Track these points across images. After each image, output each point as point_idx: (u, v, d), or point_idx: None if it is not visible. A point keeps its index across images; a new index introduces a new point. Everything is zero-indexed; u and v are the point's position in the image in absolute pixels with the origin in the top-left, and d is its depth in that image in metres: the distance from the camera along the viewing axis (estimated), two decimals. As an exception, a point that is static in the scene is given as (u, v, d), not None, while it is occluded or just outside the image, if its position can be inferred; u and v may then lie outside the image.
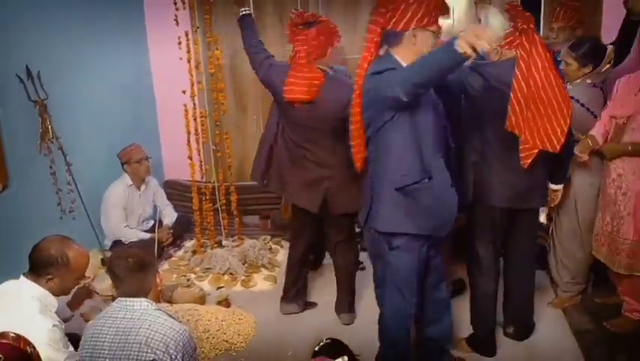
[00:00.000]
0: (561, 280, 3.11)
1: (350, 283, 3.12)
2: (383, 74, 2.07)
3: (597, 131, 2.76)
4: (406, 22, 2.06)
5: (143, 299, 1.91)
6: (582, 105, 2.78)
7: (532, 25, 2.25)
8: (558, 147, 2.27)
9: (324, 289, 3.44)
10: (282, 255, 3.92)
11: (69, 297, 2.37)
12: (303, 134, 2.82)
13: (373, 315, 2.53)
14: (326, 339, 2.43)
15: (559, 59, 2.82)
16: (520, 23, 2.26)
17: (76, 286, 2.28)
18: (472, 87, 2.42)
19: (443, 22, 2.20)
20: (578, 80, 2.82)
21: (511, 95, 2.28)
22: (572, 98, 2.70)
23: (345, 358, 2.25)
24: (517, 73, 2.26)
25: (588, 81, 2.82)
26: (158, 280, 2.04)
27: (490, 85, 2.38)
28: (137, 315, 1.87)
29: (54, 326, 2.00)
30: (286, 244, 3.97)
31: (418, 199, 2.14)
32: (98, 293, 2.58)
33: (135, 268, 1.94)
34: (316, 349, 2.38)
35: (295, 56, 2.73)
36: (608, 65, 2.87)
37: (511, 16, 2.28)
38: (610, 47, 2.87)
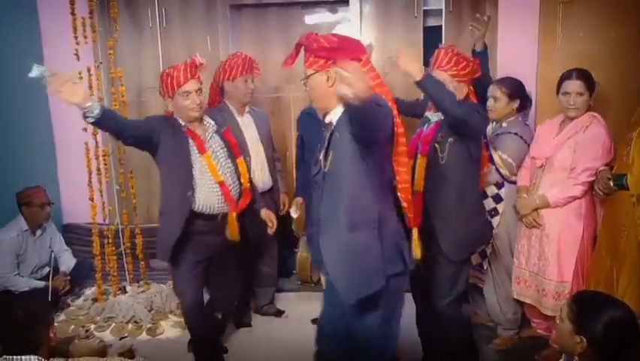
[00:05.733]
0: (504, 318, 3.10)
1: None
2: None
3: (524, 177, 2.92)
4: None
5: (32, 356, 1.73)
6: (521, 137, 2.92)
7: None
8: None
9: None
10: (191, 299, 3.75)
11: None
12: None
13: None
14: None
15: (488, 95, 2.95)
16: None
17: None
18: None
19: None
20: (512, 118, 2.96)
21: None
22: (511, 133, 2.91)
23: None
24: None
25: (520, 119, 2.99)
26: (51, 335, 1.85)
27: None
28: (25, 375, 1.68)
29: None
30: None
31: None
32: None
33: (25, 321, 1.75)
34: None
35: None
36: (529, 106, 3.11)
37: None
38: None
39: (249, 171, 2.83)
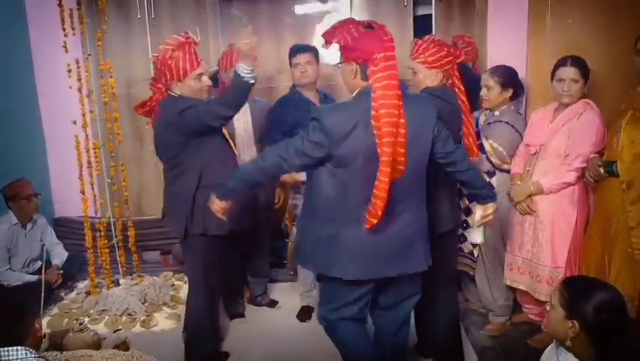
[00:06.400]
0: (495, 304, 3.12)
1: None
2: None
3: (518, 165, 2.94)
4: None
5: (19, 348, 1.71)
6: (512, 126, 2.94)
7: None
8: None
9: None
10: (185, 291, 3.74)
11: None
12: None
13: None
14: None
15: (481, 84, 2.97)
16: None
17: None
18: None
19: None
20: (504, 107, 2.97)
21: None
22: (502, 121, 2.91)
23: None
24: None
25: (512, 108, 3.00)
26: (37, 326, 1.84)
27: None
28: (13, 367, 1.67)
29: None
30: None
31: None
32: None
33: (7, 312, 1.74)
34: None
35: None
36: (522, 94, 3.12)
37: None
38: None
39: None
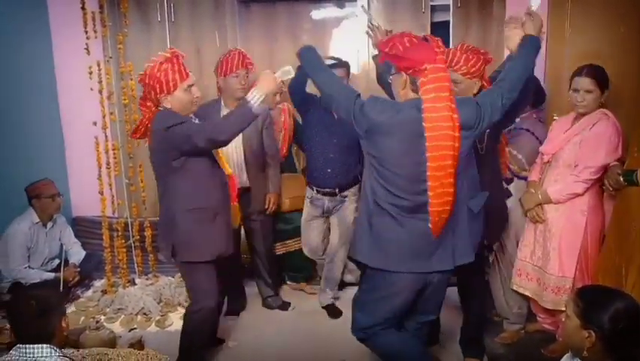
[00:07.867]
0: (510, 311, 3.09)
1: None
2: None
3: (535, 172, 2.93)
4: None
5: (45, 345, 1.76)
6: (532, 134, 2.94)
7: None
8: None
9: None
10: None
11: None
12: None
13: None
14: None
15: None
16: None
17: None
18: None
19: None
20: (526, 114, 2.97)
21: None
22: (522, 129, 2.93)
23: None
24: None
25: (534, 116, 3.00)
26: (64, 325, 1.88)
27: None
28: (39, 364, 1.71)
29: None
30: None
31: None
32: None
33: (38, 311, 1.78)
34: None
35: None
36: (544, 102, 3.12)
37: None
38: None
39: None
